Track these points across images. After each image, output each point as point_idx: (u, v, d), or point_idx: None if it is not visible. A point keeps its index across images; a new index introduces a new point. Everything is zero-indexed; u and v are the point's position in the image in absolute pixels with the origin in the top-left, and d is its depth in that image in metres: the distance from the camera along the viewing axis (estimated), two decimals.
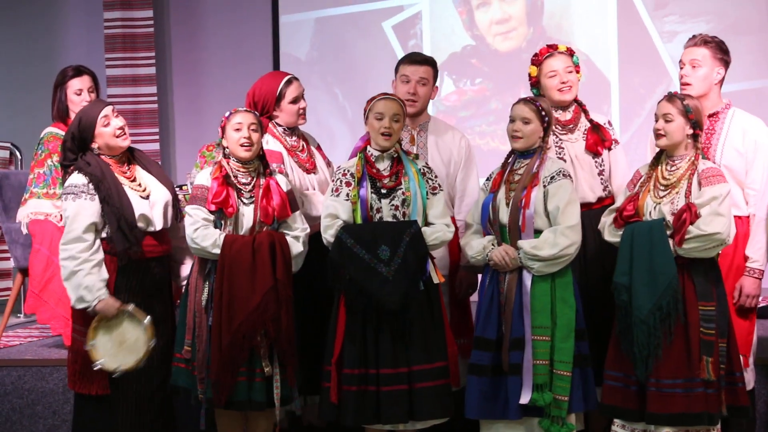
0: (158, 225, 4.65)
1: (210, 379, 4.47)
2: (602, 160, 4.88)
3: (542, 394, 4.41)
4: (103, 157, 4.63)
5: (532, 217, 4.49)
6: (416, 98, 4.99)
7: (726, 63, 4.83)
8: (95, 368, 4.49)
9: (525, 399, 4.40)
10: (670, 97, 4.50)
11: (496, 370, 4.48)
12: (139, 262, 4.61)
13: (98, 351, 4.51)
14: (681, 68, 4.84)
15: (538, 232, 4.50)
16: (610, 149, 4.92)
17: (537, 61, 4.93)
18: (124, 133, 4.65)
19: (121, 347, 4.57)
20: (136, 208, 4.57)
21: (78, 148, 4.62)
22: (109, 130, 4.61)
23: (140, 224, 4.58)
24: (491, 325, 4.50)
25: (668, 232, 4.37)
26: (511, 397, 4.44)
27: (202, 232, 4.50)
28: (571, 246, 4.45)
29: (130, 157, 4.74)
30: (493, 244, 4.54)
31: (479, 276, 4.71)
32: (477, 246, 4.56)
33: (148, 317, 4.52)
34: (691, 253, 4.34)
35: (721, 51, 4.81)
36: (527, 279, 4.48)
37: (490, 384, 4.48)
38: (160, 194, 4.68)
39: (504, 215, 4.53)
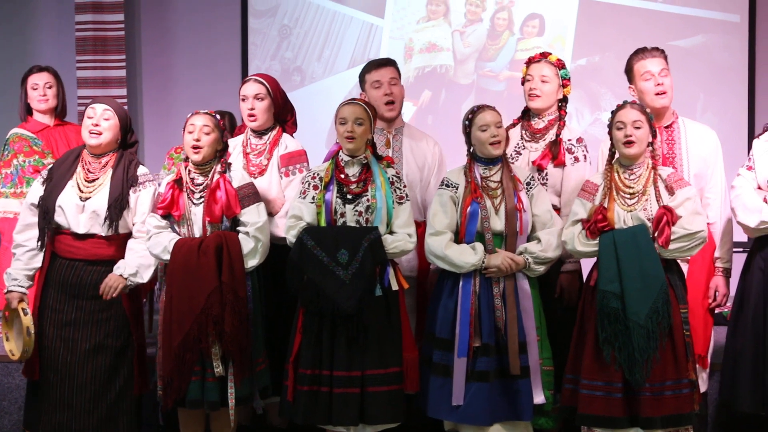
0: (79, 228, 4.62)
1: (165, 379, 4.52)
2: (546, 174, 4.82)
3: (546, 392, 4.54)
4: (85, 150, 4.71)
5: (528, 221, 4.53)
6: (394, 98, 5.02)
7: None
8: (12, 359, 4.72)
9: (540, 399, 4.49)
10: (632, 104, 4.47)
11: (496, 374, 4.49)
12: (62, 259, 4.65)
13: (9, 325, 4.70)
14: (648, 79, 4.78)
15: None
16: (563, 166, 4.83)
17: (527, 63, 4.94)
18: (97, 133, 4.65)
19: (19, 335, 4.67)
20: (60, 201, 4.59)
21: None
22: (87, 122, 4.66)
23: (60, 218, 4.61)
24: (490, 330, 4.48)
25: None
26: (524, 398, 4.47)
27: (154, 240, 4.57)
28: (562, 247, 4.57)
29: (111, 160, 4.71)
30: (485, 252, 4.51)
31: None
32: (473, 255, 4.48)
33: (29, 330, 4.58)
34: (675, 254, 4.38)
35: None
36: (525, 283, 4.52)
37: (496, 389, 4.49)
38: (96, 201, 4.63)
39: (498, 223, 4.52)
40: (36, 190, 4.70)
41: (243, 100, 4.94)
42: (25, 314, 4.61)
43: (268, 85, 4.93)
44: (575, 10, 7.68)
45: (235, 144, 5.02)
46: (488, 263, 4.47)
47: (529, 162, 4.84)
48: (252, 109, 4.90)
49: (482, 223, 4.51)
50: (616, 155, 4.51)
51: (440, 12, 7.84)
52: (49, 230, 4.64)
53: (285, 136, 5.02)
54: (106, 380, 4.67)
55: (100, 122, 4.65)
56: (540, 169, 4.81)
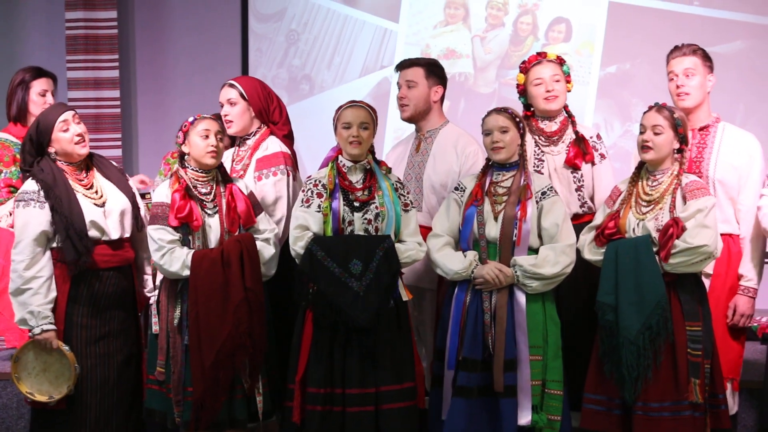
0: (113, 234, 4.64)
1: (187, 402, 4.50)
2: (581, 175, 4.88)
3: (540, 415, 4.45)
4: (59, 162, 4.64)
5: (529, 232, 4.48)
6: (406, 102, 5.11)
7: (712, 70, 4.87)
8: (27, 400, 4.64)
9: (525, 420, 4.42)
10: (659, 108, 4.48)
11: (483, 391, 4.47)
12: (94, 271, 4.62)
13: (20, 366, 4.61)
14: (672, 79, 4.85)
15: (530, 249, 4.52)
16: (593, 163, 4.91)
17: (524, 68, 4.95)
18: (83, 140, 4.65)
19: (42, 374, 4.62)
20: (88, 216, 4.57)
21: (36, 152, 4.63)
22: (67, 136, 4.61)
23: (92, 232, 4.58)
24: (477, 345, 4.48)
25: (654, 249, 4.38)
26: (507, 419, 4.44)
27: (169, 258, 4.52)
28: (570, 265, 4.49)
29: (89, 163, 4.73)
30: (476, 261, 4.52)
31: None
32: (460, 262, 4.52)
33: (77, 367, 4.56)
34: (678, 268, 4.35)
35: (708, 59, 4.87)
36: (521, 297, 4.48)
37: (478, 406, 4.47)
38: (117, 202, 4.67)
39: (493, 230, 4.51)
40: (39, 217, 4.58)
41: (221, 106, 5.04)
42: (69, 351, 4.59)
43: (240, 88, 4.99)
44: (605, 14, 7.60)
45: (228, 155, 5.13)
46: (476, 273, 4.51)
47: (556, 166, 4.89)
48: (226, 115, 5.00)
49: (478, 229, 4.55)
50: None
51: (459, 16, 7.83)
52: (90, 248, 4.58)
53: (271, 138, 5.03)
54: (134, 390, 4.77)
55: (79, 130, 4.67)
56: (576, 168, 4.87)
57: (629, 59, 7.42)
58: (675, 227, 4.36)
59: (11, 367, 4.66)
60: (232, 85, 5.01)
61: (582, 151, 4.88)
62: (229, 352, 4.48)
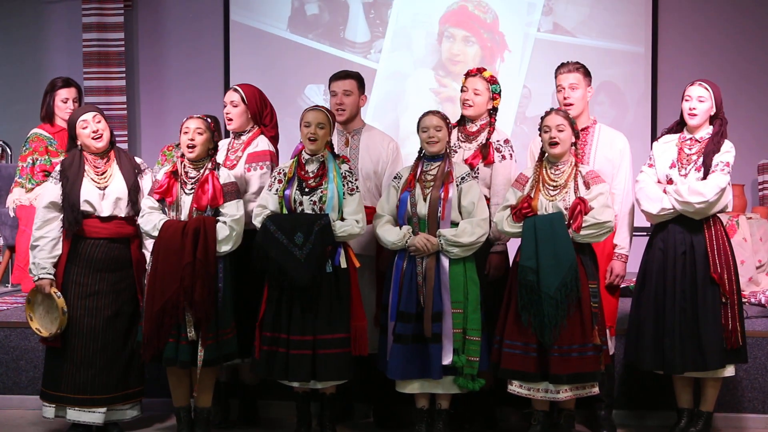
0: (104, 212, 5.00)
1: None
2: (477, 170, 5.11)
3: (459, 357, 4.80)
4: (84, 152, 5.04)
5: (451, 210, 4.81)
6: (344, 107, 5.31)
7: (590, 83, 5.18)
8: (39, 335, 5.00)
9: (447, 360, 4.77)
10: (557, 111, 4.82)
11: (416, 338, 4.81)
12: (88, 239, 4.99)
13: (32, 307, 4.99)
14: (560, 91, 5.11)
15: (452, 223, 4.85)
16: (492, 164, 5.14)
17: (466, 75, 5.25)
18: (99, 137, 5.01)
19: (46, 315, 4.99)
20: (84, 195, 4.94)
21: (73, 143, 5.08)
22: (86, 132, 5.00)
23: (84, 207, 4.94)
24: (411, 301, 4.82)
25: (566, 223, 4.69)
26: (434, 360, 4.78)
27: (146, 218, 4.90)
28: (484, 235, 4.84)
29: (111, 155, 5.08)
30: (410, 233, 4.84)
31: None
32: (396, 234, 4.85)
33: (64, 309, 4.92)
34: (586, 239, 4.71)
35: (588, 74, 5.19)
36: (446, 262, 4.80)
37: (413, 350, 4.81)
38: (116, 188, 5.02)
39: (423, 208, 4.84)
40: (52, 190, 4.97)
41: (224, 106, 5.24)
42: (59, 297, 4.92)
43: (242, 94, 5.23)
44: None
45: (224, 144, 5.38)
46: (410, 242, 4.82)
47: (463, 159, 5.19)
48: (228, 113, 5.22)
49: (411, 209, 4.86)
50: (546, 153, 4.88)
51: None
52: (78, 219, 4.91)
53: (261, 137, 5.25)
54: (122, 342, 5.05)
55: (97, 128, 5.02)
56: (471, 167, 5.14)
57: (533, 80, 8.00)
58: (582, 205, 4.65)
59: (26, 308, 5.00)
60: (236, 90, 5.21)
61: (482, 155, 5.10)
62: (175, 303, 4.73)
